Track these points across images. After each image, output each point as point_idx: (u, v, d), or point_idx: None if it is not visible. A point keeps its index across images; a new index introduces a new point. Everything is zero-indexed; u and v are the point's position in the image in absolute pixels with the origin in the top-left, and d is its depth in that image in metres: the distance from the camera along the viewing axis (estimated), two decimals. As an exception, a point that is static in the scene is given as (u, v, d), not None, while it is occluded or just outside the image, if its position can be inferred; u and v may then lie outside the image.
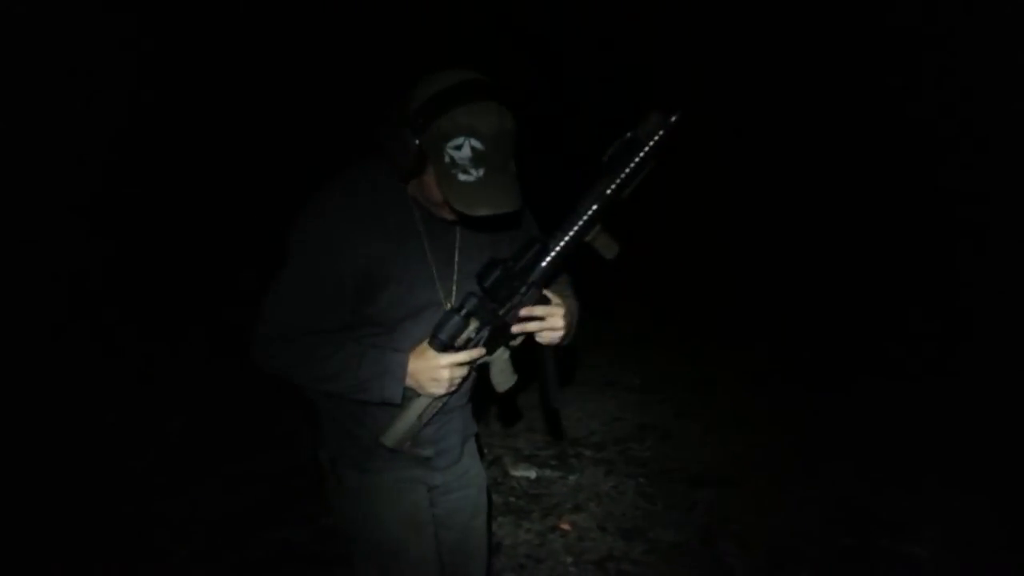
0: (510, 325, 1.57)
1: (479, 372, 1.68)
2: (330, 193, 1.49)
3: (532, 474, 3.72)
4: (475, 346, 1.54)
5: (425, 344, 1.51)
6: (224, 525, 3.19)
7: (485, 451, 3.75)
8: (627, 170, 1.47)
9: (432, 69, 1.44)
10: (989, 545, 2.88)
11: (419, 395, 1.55)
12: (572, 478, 3.63)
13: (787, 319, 5.43)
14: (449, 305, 1.57)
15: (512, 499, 3.45)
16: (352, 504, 1.64)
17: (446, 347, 1.50)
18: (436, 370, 1.50)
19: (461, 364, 1.53)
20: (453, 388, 1.56)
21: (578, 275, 1.78)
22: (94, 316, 4.66)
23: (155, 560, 2.92)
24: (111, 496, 3.34)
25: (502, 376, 1.67)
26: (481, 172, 1.36)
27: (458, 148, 1.35)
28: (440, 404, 1.59)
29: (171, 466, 3.62)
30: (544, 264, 1.53)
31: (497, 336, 1.58)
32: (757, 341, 5.25)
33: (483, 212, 1.37)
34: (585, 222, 1.50)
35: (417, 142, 1.38)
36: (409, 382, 1.51)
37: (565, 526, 3.21)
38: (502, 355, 1.65)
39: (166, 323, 5.21)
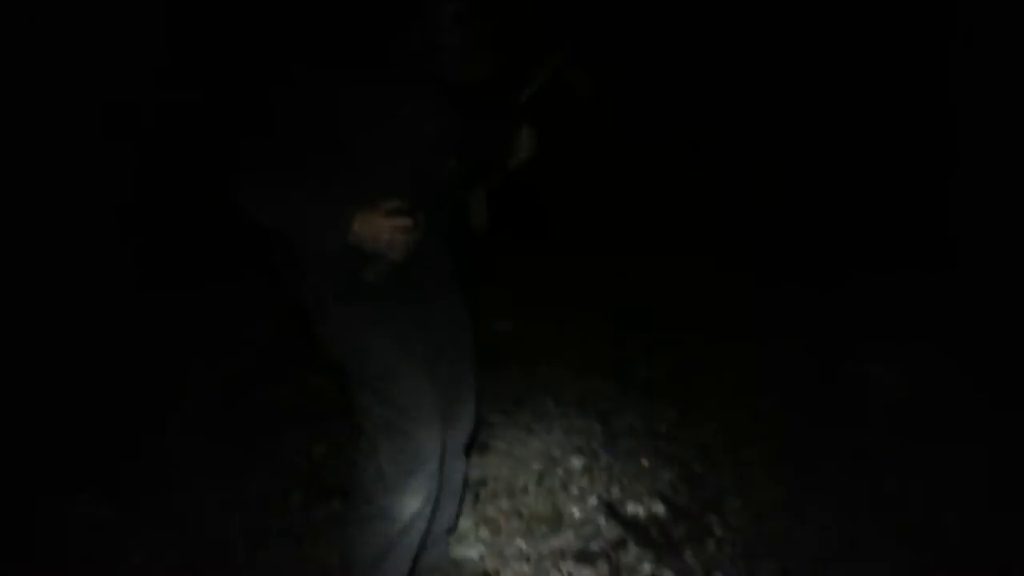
0: (489, 162, 1.61)
1: (457, 213, 1.71)
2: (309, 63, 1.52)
3: (509, 326, 3.84)
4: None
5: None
6: (215, 390, 3.27)
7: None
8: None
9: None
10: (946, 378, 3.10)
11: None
12: (549, 327, 3.77)
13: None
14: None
15: (492, 348, 3.57)
16: (340, 334, 1.68)
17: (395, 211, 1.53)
18: (380, 232, 1.52)
19: (406, 227, 1.54)
20: (403, 248, 1.56)
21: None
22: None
23: (149, 431, 3.00)
24: (103, 369, 3.36)
25: (479, 216, 1.71)
26: (461, 34, 1.44)
27: (440, 6, 1.43)
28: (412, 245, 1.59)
29: (159, 338, 3.64)
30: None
31: (475, 175, 1.61)
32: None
33: (461, 78, 1.48)
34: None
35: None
36: (358, 238, 1.52)
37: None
38: (479, 195, 1.69)
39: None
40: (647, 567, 2.21)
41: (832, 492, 2.49)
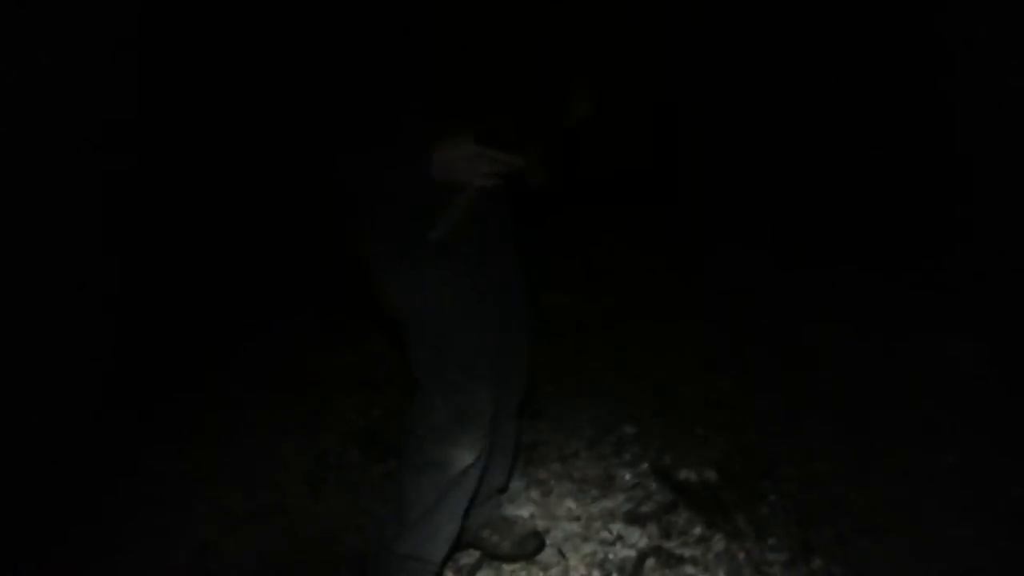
0: (548, 119, 1.62)
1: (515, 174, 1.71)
2: None
3: (567, 299, 3.84)
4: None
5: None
6: (277, 353, 3.39)
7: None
8: None
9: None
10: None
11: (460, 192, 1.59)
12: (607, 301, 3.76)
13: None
14: None
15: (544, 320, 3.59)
16: (401, 294, 1.71)
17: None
18: (467, 153, 1.54)
19: (492, 157, 1.56)
20: (486, 179, 1.58)
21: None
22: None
23: (213, 391, 3.13)
24: (169, 331, 3.51)
25: (534, 168, 1.70)
26: None
27: None
28: (477, 198, 1.62)
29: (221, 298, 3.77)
30: None
31: (533, 130, 1.62)
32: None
33: None
34: None
35: None
36: (443, 169, 1.55)
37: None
38: (534, 151, 1.68)
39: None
40: (698, 530, 2.20)
41: (893, 463, 2.42)
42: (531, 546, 2.14)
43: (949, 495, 2.25)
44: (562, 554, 2.14)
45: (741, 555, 2.08)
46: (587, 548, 2.17)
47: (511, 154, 1.61)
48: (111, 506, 2.47)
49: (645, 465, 2.52)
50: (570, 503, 2.37)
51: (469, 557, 2.16)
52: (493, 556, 2.14)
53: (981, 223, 3.65)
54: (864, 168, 4.38)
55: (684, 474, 2.46)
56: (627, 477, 2.48)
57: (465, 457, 1.73)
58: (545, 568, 2.10)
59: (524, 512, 2.33)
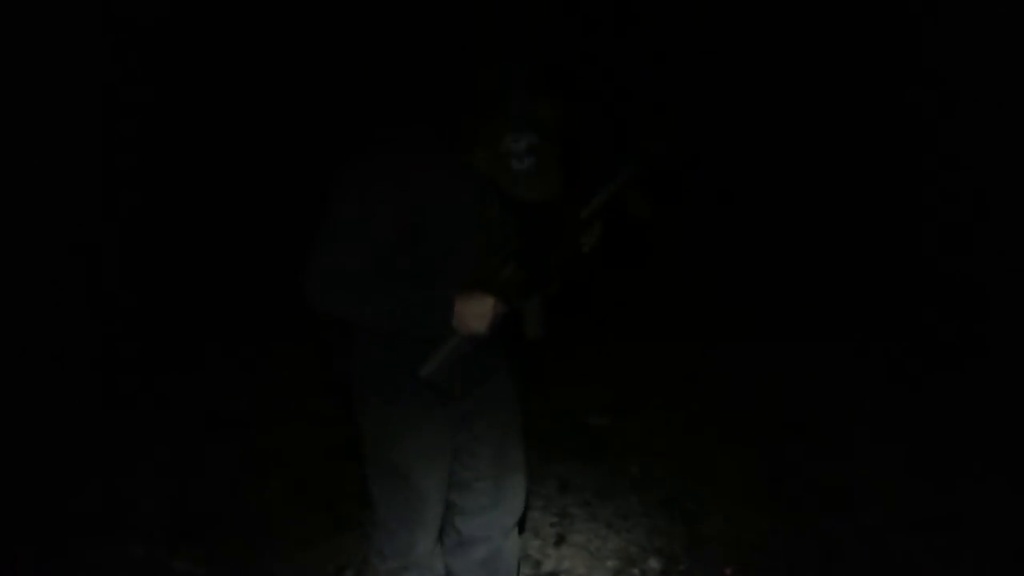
0: (547, 270, 1.69)
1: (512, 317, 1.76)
2: (380, 145, 1.62)
3: (607, 421, 3.79)
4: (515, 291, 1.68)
5: (471, 288, 1.63)
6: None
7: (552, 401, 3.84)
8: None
9: (492, 52, 1.55)
10: None
11: (456, 332, 1.64)
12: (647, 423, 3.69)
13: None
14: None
15: (584, 442, 3.54)
16: (371, 425, 1.80)
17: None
18: (483, 309, 1.62)
19: (502, 307, 1.65)
20: (491, 327, 1.65)
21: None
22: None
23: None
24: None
25: (533, 323, 1.77)
26: (533, 161, 1.48)
27: (516, 141, 1.46)
28: (475, 341, 1.67)
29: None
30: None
31: (533, 282, 1.69)
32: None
33: (529, 199, 1.51)
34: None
35: (475, 126, 1.50)
36: (454, 321, 1.62)
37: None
38: (535, 302, 1.75)
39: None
40: None
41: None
42: None
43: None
44: None
45: None
46: None
47: (519, 307, 1.71)
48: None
49: (667, 606, 2.42)
50: (584, 642, 2.28)
51: None
52: None
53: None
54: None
55: (707, 618, 2.34)
56: (647, 617, 2.37)
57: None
58: None
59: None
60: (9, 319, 3.03)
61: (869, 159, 4.62)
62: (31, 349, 3.08)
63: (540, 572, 2.61)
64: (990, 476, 2.99)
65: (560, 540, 2.78)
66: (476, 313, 1.61)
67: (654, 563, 2.64)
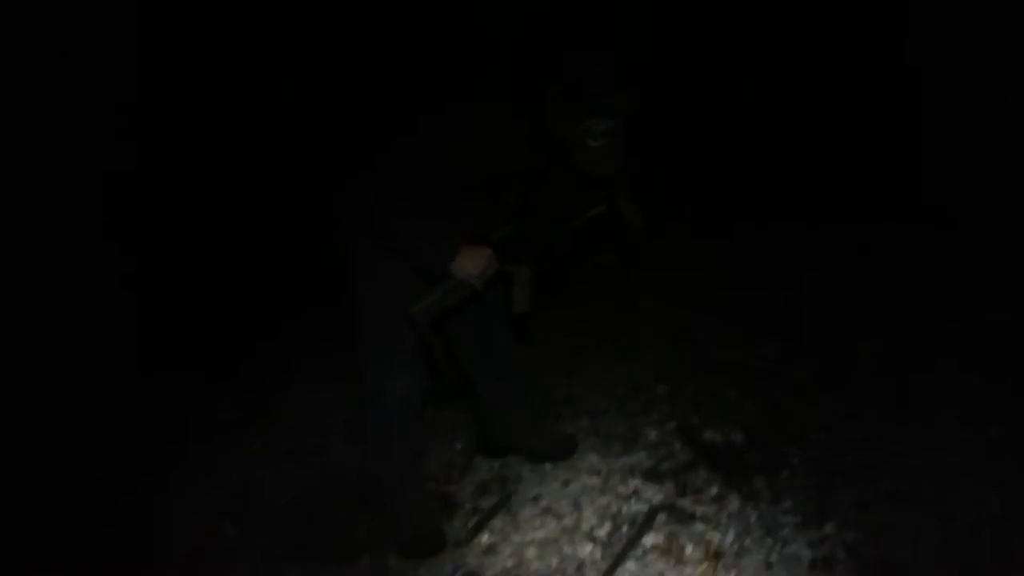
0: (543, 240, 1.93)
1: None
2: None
3: (612, 260, 3.82)
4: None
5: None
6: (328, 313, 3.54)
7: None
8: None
9: (579, 40, 1.90)
10: None
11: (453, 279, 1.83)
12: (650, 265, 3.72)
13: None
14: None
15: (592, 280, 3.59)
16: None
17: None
18: (479, 257, 1.83)
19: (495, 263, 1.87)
20: (483, 279, 1.85)
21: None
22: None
23: (269, 352, 3.31)
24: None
25: (521, 297, 1.98)
26: (606, 142, 1.74)
27: (597, 124, 1.72)
28: (465, 292, 1.86)
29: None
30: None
31: (527, 252, 1.92)
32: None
33: (593, 173, 1.79)
34: None
35: (560, 103, 1.74)
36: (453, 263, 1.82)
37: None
38: (525, 274, 1.96)
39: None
40: (714, 489, 2.20)
41: (931, 434, 2.33)
42: (566, 449, 2.41)
43: (984, 470, 2.16)
44: (578, 505, 2.20)
45: (753, 516, 2.08)
46: (602, 500, 2.21)
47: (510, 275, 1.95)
48: (162, 441, 2.69)
49: (672, 424, 2.53)
50: (593, 458, 2.41)
51: (486, 501, 2.26)
52: (530, 458, 2.38)
53: None
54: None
55: (710, 435, 2.45)
56: (652, 435, 2.49)
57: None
58: (559, 517, 2.16)
59: (546, 464, 2.39)
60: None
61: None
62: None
63: (553, 398, 2.73)
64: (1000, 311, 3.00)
65: (572, 371, 2.89)
66: (472, 258, 1.83)
67: (661, 388, 2.75)
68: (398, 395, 2.04)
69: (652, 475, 2.29)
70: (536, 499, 2.24)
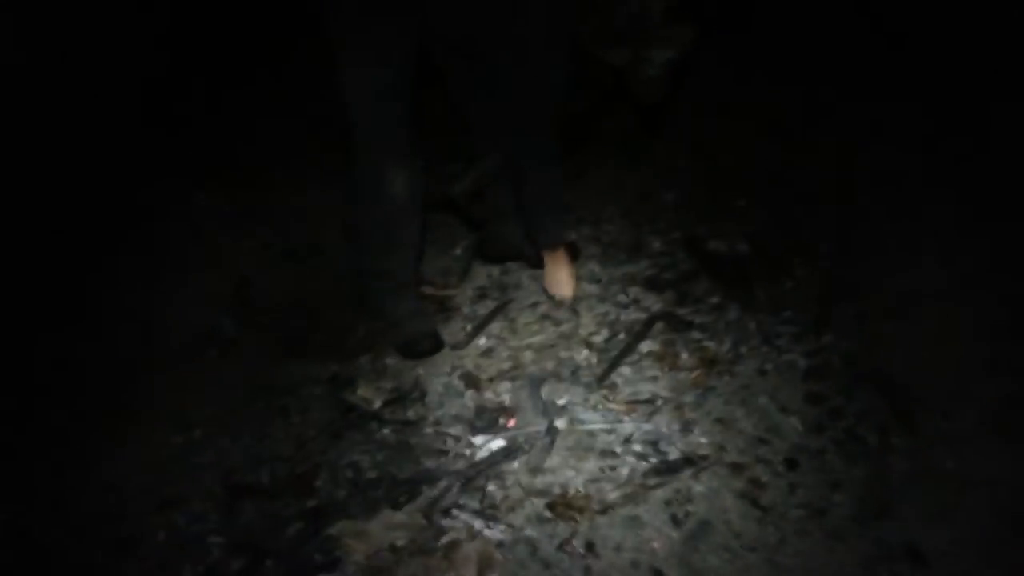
0: None
1: None
2: None
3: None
4: None
5: None
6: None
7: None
8: None
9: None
10: None
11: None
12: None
13: None
14: None
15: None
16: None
17: None
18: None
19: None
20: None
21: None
22: None
23: (262, 147, 3.17)
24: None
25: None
26: (663, 72, 1.82)
27: (658, 55, 1.79)
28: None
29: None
30: None
31: None
32: None
33: (646, 102, 1.95)
34: None
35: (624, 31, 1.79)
36: None
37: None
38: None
39: None
40: (715, 299, 2.18)
41: (942, 251, 2.27)
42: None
43: (991, 287, 2.11)
44: (576, 312, 2.19)
45: (752, 325, 2.07)
46: (601, 308, 2.20)
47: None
48: (161, 237, 2.65)
49: (677, 234, 2.47)
50: (594, 266, 2.38)
51: (484, 307, 2.25)
52: (530, 264, 2.35)
53: None
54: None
55: (714, 245, 2.40)
56: (656, 245, 2.44)
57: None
58: (557, 323, 2.17)
59: (540, 271, 2.35)
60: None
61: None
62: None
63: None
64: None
65: (577, 176, 2.77)
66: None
67: (669, 196, 2.66)
68: (398, 189, 1.95)
69: (653, 284, 2.27)
70: (534, 306, 2.24)
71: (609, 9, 1.80)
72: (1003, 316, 2.01)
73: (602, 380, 1.95)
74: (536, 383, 1.95)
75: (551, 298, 2.23)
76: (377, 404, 1.94)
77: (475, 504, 1.64)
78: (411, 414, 1.92)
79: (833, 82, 3.08)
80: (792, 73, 3.21)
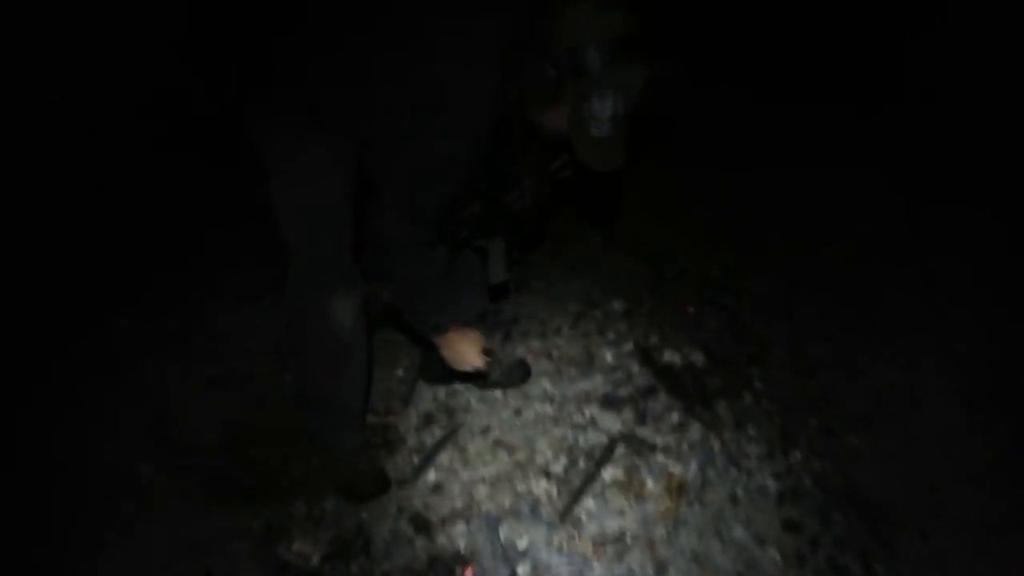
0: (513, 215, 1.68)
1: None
2: None
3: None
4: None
5: None
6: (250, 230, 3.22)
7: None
8: None
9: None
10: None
11: None
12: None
13: None
14: None
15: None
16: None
17: None
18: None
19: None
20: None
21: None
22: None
23: (186, 271, 3.00)
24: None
25: (496, 268, 1.77)
26: (612, 130, 1.37)
27: (602, 103, 1.34)
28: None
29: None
30: None
31: (499, 222, 1.68)
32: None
33: (598, 169, 1.41)
34: None
35: (558, 78, 1.35)
36: None
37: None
38: (499, 246, 1.74)
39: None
40: (675, 416, 2.08)
41: (897, 351, 2.26)
42: (518, 375, 2.23)
43: (950, 385, 2.09)
44: (530, 437, 2.05)
45: (717, 445, 1.97)
46: (557, 431, 2.07)
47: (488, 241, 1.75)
48: (77, 365, 2.40)
49: (629, 345, 2.38)
50: (546, 383, 2.25)
51: (431, 436, 2.08)
52: (482, 386, 2.19)
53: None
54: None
55: (669, 356, 2.31)
56: (608, 358, 2.34)
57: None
58: (511, 451, 2.01)
59: (496, 392, 2.22)
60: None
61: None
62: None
63: (501, 318, 2.54)
64: (956, 207, 2.90)
65: (521, 287, 2.68)
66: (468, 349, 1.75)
67: (617, 305, 2.58)
68: (345, 318, 1.75)
69: (609, 402, 2.15)
70: (486, 431, 2.08)
71: (534, 63, 1.37)
72: (966, 419, 1.97)
73: (565, 516, 1.80)
74: (493, 523, 1.78)
75: (461, 375, 1.96)
76: (315, 560, 1.73)
77: None
78: (354, 569, 1.71)
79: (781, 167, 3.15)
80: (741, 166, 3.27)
